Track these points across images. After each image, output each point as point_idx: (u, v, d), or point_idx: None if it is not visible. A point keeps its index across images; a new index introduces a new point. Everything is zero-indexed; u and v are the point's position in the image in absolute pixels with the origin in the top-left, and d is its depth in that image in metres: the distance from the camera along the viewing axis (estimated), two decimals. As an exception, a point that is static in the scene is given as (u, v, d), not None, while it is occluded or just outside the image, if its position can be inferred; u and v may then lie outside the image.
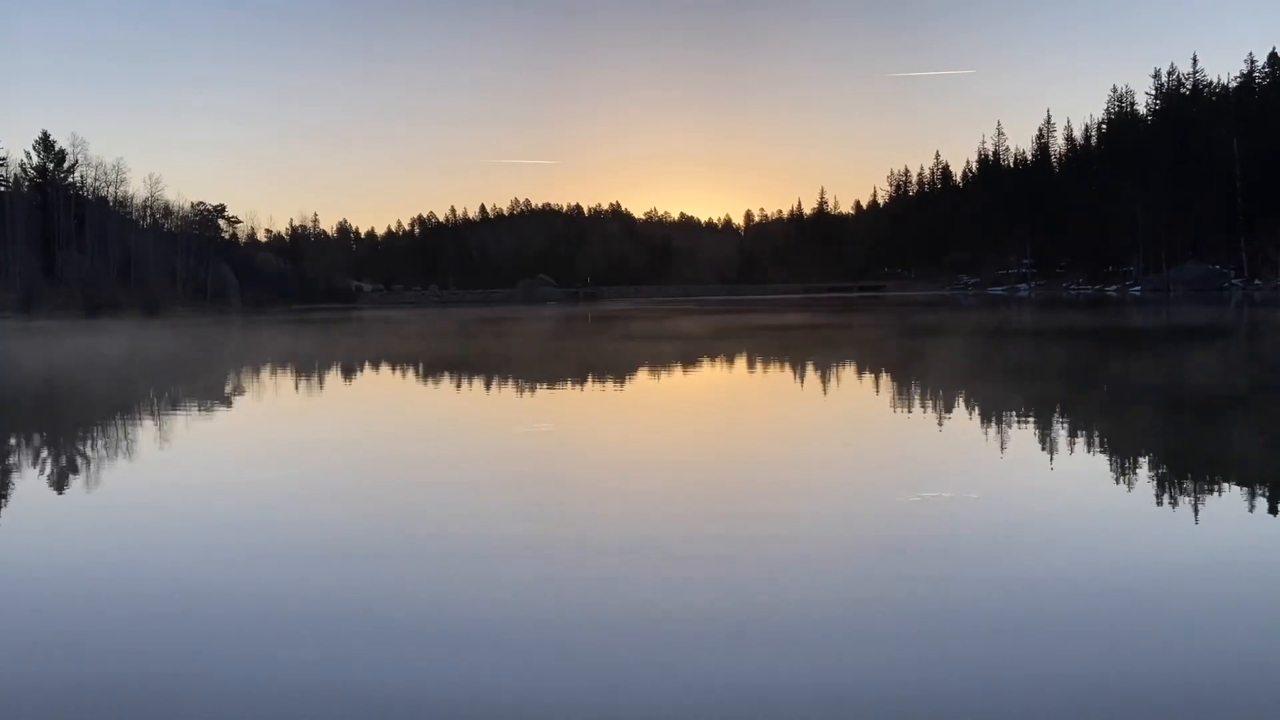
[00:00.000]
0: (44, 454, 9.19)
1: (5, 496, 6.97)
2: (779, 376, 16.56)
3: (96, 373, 19.96)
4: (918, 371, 16.38)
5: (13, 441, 10.04)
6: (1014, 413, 10.27)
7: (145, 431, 10.42)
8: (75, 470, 8.08)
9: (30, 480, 7.63)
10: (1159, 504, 5.88)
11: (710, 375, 17.01)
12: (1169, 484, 6.56)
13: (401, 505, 6.33)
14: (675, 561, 4.76)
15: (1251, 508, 5.80)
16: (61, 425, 11.52)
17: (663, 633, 3.75)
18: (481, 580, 4.55)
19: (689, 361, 19.45)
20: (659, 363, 19.15)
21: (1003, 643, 3.58)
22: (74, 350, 28.15)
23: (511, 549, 5.12)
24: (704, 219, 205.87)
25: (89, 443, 9.92)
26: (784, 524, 5.53)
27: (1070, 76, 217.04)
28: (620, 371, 17.28)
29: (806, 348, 23.32)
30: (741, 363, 19.52)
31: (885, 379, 15.21)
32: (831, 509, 5.96)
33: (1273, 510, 5.74)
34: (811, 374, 16.33)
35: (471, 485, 7.06)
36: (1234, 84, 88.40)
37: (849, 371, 16.62)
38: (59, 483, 7.50)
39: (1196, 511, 5.64)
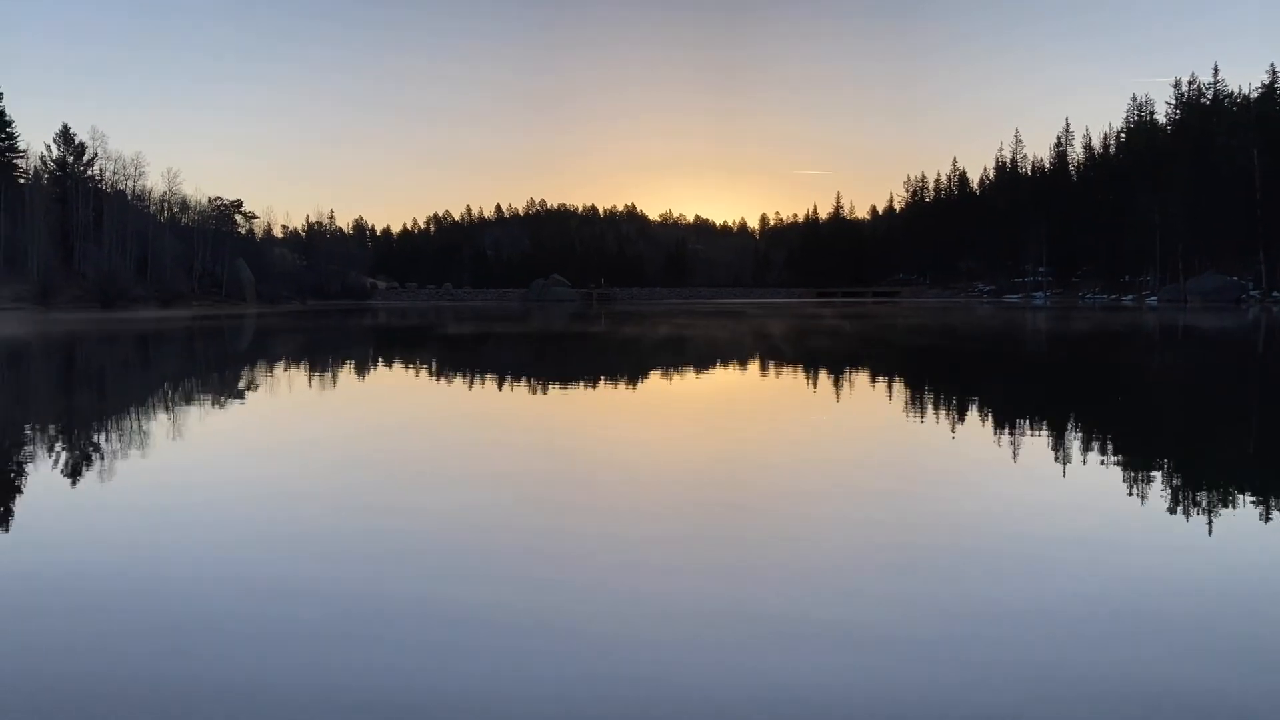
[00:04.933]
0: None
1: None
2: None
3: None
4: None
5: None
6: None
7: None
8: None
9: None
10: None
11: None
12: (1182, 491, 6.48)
13: (409, 504, 6.31)
14: (686, 560, 4.72)
15: None
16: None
17: (666, 634, 3.73)
18: (484, 579, 4.52)
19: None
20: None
21: (1009, 651, 3.54)
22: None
23: (523, 546, 5.10)
24: (719, 221, 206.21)
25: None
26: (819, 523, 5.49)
27: (1090, 85, 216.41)
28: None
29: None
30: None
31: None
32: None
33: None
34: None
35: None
36: (1255, 94, 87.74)
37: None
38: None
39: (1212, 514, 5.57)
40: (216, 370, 19.73)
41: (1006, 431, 9.74)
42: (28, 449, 8.98)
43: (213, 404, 12.85)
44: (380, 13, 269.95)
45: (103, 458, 8.40)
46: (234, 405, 12.69)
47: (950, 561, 4.90)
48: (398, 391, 15.05)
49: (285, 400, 13.47)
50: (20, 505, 6.44)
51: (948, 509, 6.22)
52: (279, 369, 19.40)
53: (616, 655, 3.62)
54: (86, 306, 71.14)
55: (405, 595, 4.36)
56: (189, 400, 13.51)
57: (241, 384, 15.89)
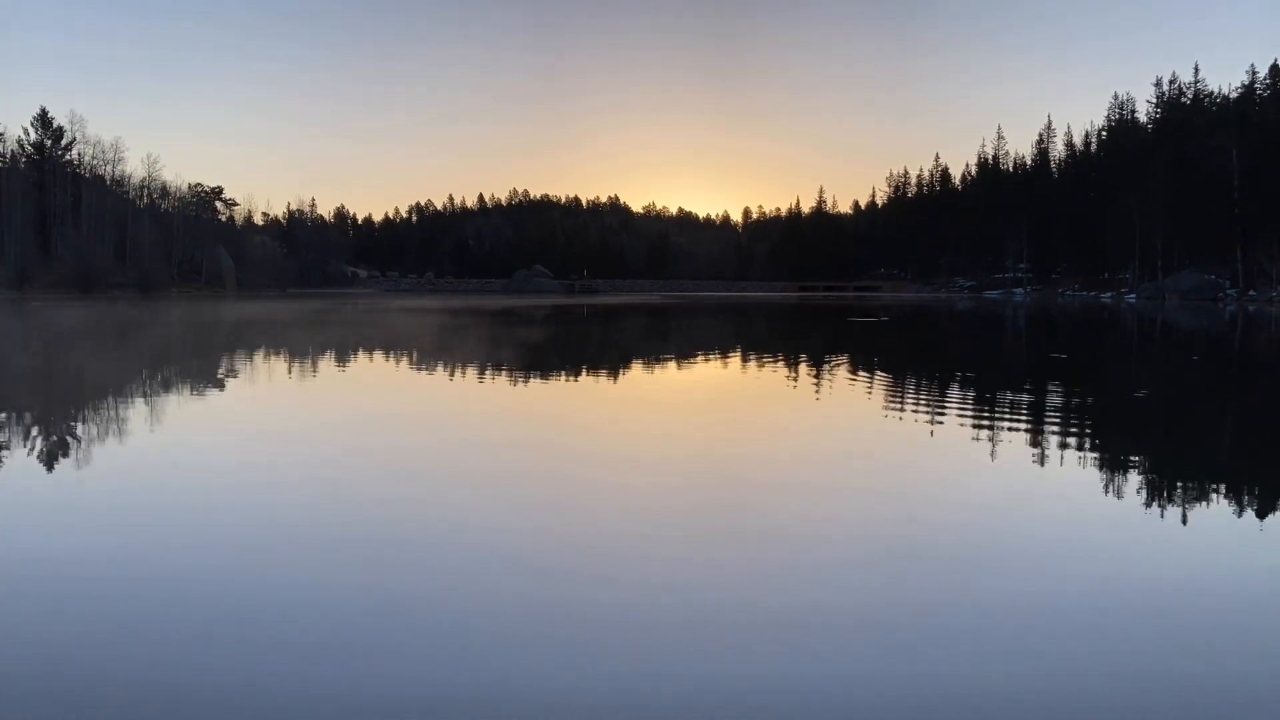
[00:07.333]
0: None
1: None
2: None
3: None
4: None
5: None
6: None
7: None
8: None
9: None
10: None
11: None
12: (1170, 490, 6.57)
13: (399, 498, 6.31)
14: (687, 556, 4.75)
15: None
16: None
17: (664, 631, 3.75)
18: (481, 575, 4.53)
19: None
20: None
21: (1007, 651, 3.59)
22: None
23: (518, 539, 5.11)
24: (702, 214, 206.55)
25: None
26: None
27: (1072, 84, 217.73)
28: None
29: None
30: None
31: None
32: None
33: None
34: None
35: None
36: (1235, 95, 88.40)
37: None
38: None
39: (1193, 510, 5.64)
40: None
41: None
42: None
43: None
44: (364, 3, 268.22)
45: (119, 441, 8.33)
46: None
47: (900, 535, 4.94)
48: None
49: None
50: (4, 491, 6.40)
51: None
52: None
53: (620, 652, 3.63)
54: (64, 292, 70.45)
55: (407, 589, 4.36)
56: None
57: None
